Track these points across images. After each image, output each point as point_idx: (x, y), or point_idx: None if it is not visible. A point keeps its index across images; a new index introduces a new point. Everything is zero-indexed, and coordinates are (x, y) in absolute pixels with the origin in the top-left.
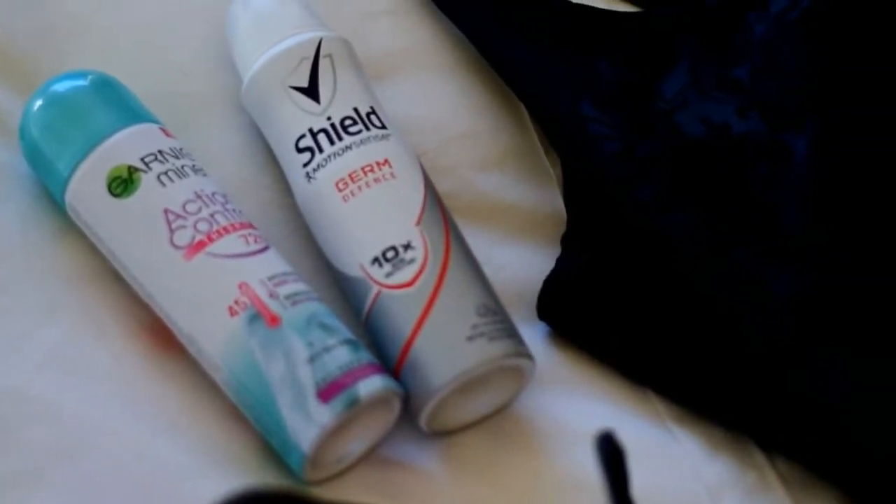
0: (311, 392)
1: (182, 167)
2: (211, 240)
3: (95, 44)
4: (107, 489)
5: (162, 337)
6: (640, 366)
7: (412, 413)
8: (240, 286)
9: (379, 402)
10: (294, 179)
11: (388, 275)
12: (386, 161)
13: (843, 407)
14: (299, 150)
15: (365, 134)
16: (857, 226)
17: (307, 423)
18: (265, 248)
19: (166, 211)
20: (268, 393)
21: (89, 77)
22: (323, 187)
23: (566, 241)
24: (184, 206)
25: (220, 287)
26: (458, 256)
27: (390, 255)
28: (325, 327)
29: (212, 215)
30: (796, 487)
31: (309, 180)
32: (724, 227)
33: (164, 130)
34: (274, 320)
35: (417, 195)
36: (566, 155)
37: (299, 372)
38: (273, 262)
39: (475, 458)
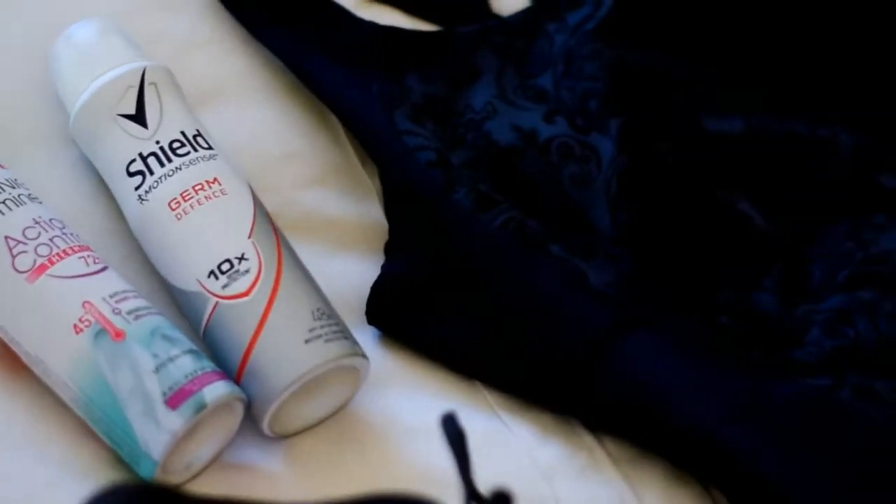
0: (159, 400)
1: (19, 196)
2: (52, 263)
3: None
4: None
5: (9, 361)
6: (466, 361)
7: (255, 418)
8: (83, 304)
9: (223, 407)
10: (127, 203)
11: (225, 286)
12: (215, 179)
13: (655, 384)
14: (130, 175)
15: (193, 155)
16: (655, 221)
17: (157, 431)
18: (105, 268)
19: (7, 238)
20: (116, 405)
21: None
22: (156, 208)
23: (389, 249)
24: (23, 232)
25: (64, 307)
26: (291, 265)
27: (225, 267)
28: (168, 339)
29: (51, 239)
30: (626, 464)
31: (142, 202)
32: (540, 225)
33: None
34: (119, 335)
35: (248, 210)
36: (384, 167)
37: (146, 382)
38: (113, 281)
39: (318, 458)
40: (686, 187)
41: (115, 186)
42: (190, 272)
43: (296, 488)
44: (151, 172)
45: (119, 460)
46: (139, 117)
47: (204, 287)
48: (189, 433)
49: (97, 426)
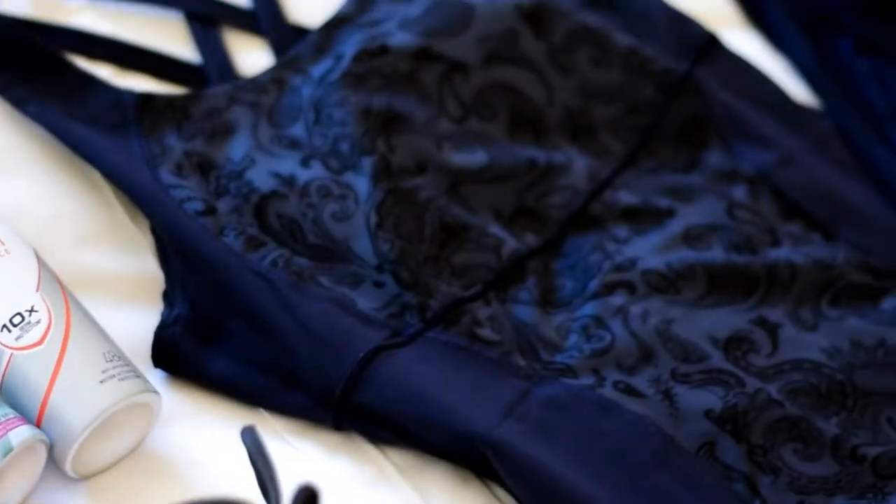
0: None
1: None
2: None
3: None
4: None
5: None
6: (249, 394)
7: (57, 460)
8: None
9: (27, 450)
10: None
11: (18, 338)
12: None
13: (429, 392)
14: None
15: None
16: (412, 248)
17: None
18: None
19: None
20: None
21: None
22: None
23: (167, 296)
24: None
25: None
26: (78, 313)
27: (17, 320)
28: None
29: None
30: (412, 472)
31: None
32: (308, 261)
33: None
34: None
35: (32, 266)
36: (155, 220)
37: None
38: None
39: (119, 494)
40: (439, 215)
41: None
42: None
43: None
44: None
45: None
46: None
47: None
48: None
49: None
